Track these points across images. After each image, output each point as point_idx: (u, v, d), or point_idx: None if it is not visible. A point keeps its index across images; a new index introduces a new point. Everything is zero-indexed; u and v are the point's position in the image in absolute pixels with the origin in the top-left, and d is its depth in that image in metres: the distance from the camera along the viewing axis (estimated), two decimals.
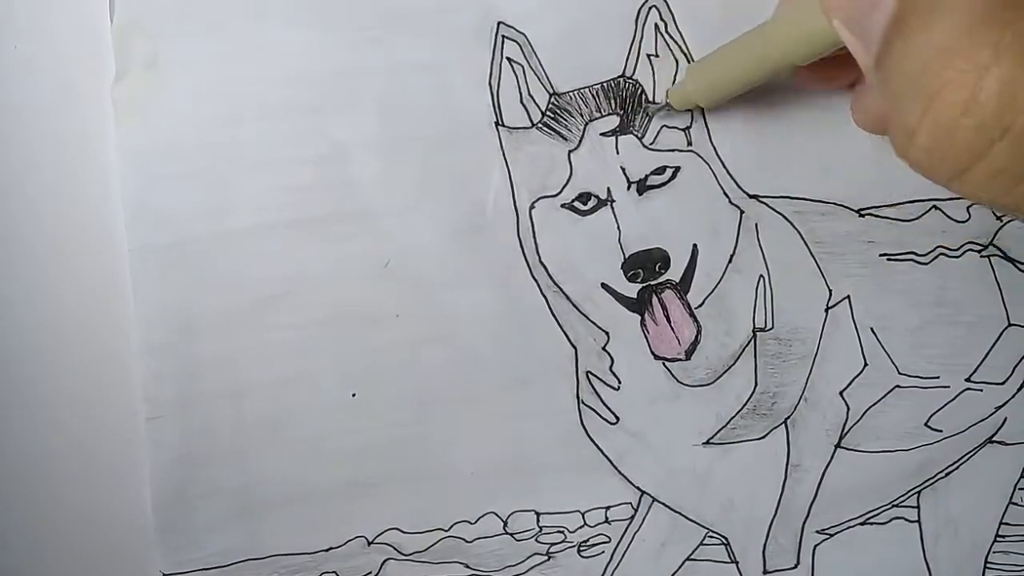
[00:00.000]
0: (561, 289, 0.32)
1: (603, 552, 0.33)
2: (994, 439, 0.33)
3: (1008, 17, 0.18)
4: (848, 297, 0.32)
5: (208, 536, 0.31)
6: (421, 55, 0.31)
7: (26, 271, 0.30)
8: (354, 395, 0.31)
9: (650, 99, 0.31)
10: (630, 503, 0.32)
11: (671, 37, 0.31)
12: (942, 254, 0.32)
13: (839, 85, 0.30)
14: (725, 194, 0.31)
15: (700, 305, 0.32)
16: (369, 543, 0.32)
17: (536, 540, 0.32)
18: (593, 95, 0.31)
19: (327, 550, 0.32)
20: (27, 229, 0.30)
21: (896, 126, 0.20)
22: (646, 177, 0.31)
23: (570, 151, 0.31)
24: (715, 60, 0.29)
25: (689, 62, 0.31)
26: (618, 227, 0.31)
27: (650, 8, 0.31)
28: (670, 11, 0.31)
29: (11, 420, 0.31)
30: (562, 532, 0.32)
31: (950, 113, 0.18)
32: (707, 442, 0.32)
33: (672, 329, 0.32)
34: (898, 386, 0.32)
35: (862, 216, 0.32)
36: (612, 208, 0.31)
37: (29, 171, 0.30)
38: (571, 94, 0.31)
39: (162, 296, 0.31)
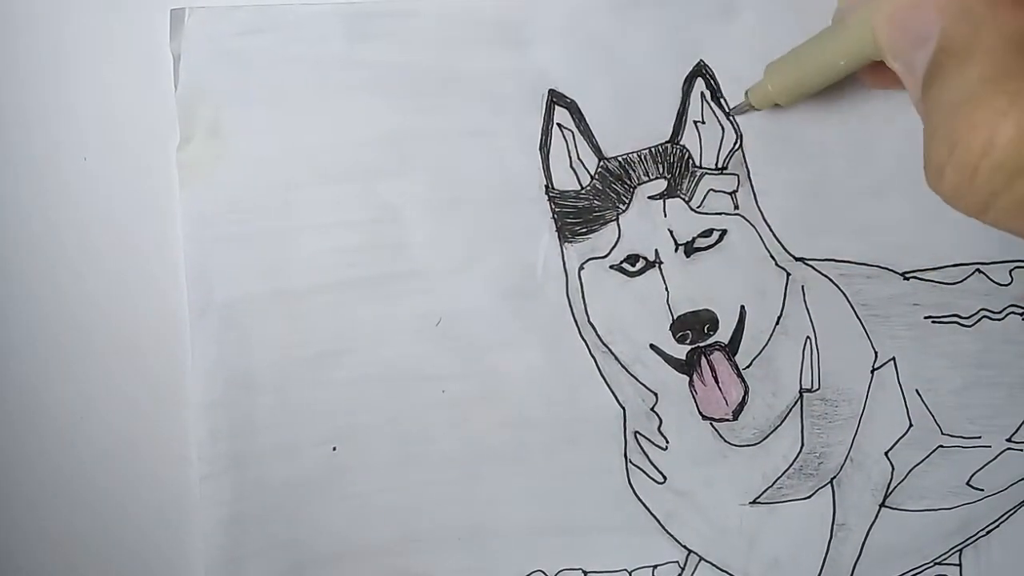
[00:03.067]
0: (610, 350, 0.32)
1: None
2: None
3: None
4: (893, 359, 0.32)
5: None
6: (473, 121, 0.31)
7: (89, 325, 0.31)
8: (404, 452, 0.32)
9: (697, 164, 0.32)
10: (677, 562, 0.33)
11: (716, 104, 0.32)
12: (985, 316, 0.32)
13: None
14: (771, 257, 0.32)
15: (748, 366, 0.32)
16: None
17: None
18: (641, 159, 0.32)
19: None
20: (93, 288, 0.31)
21: (929, 162, 0.22)
22: (693, 240, 0.32)
23: (618, 214, 0.32)
24: (790, 60, 0.30)
25: (736, 131, 0.32)
26: (666, 289, 0.32)
27: (696, 77, 0.32)
28: (715, 79, 0.32)
29: (69, 476, 0.31)
30: None
31: (972, 154, 0.20)
32: (754, 501, 0.32)
33: (720, 390, 0.32)
34: (941, 446, 0.32)
35: (906, 279, 0.32)
36: (660, 270, 0.32)
37: (98, 235, 0.31)
38: (620, 158, 0.32)
39: (219, 353, 0.31)
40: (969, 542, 0.33)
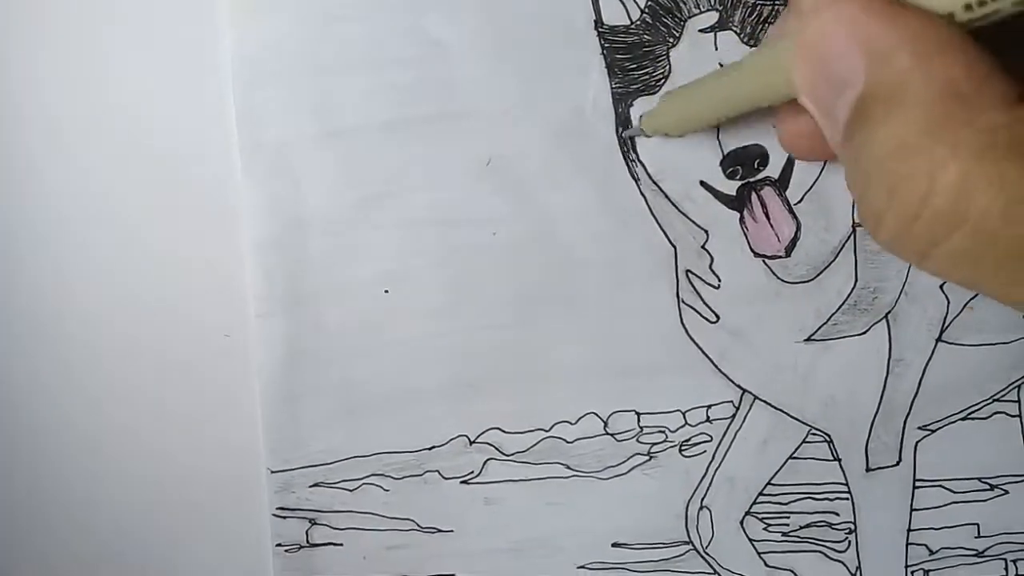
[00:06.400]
0: (660, 187, 0.32)
1: (705, 451, 0.33)
2: None
3: (963, 117, 0.19)
4: None
5: (314, 434, 0.32)
6: None
7: (137, 169, 0.31)
8: (455, 296, 0.32)
9: None
10: (731, 402, 0.32)
11: None
12: None
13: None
14: None
15: (799, 201, 0.32)
16: (471, 442, 0.32)
17: (637, 440, 0.33)
18: None
19: (430, 448, 0.32)
20: (142, 131, 0.31)
21: (867, 209, 0.21)
22: None
23: (669, 48, 0.31)
24: (690, 91, 0.29)
25: None
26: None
27: None
28: None
29: (120, 316, 0.31)
30: (663, 432, 0.33)
31: (911, 205, 0.20)
32: (808, 339, 0.32)
33: (771, 226, 0.32)
34: None
35: None
36: None
37: (144, 76, 0.31)
38: None
39: (271, 193, 0.31)
40: None
